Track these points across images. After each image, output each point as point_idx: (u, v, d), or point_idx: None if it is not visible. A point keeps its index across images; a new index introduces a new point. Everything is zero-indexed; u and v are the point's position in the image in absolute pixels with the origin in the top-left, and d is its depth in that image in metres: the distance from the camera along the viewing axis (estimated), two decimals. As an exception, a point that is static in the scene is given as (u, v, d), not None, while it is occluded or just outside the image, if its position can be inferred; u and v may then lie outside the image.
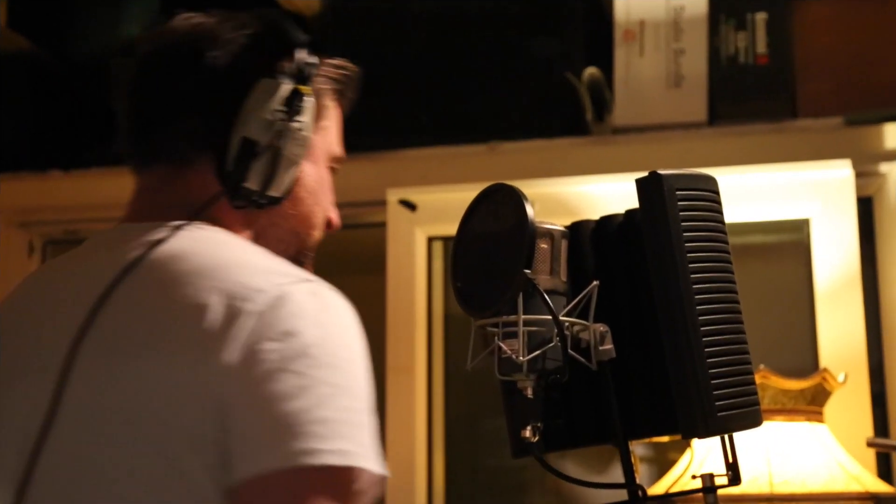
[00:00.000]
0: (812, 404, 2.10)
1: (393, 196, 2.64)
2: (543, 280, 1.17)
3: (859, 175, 2.43)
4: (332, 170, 1.28)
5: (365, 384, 1.03)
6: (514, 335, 1.15)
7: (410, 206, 2.64)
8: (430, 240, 2.71)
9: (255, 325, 0.99)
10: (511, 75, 2.65)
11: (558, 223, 1.21)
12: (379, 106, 2.71)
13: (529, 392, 1.17)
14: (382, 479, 1.01)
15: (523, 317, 1.14)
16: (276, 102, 1.14)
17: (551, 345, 1.15)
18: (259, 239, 1.18)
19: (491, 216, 1.22)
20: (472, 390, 2.73)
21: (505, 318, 1.16)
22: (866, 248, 2.46)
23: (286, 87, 1.15)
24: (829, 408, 2.15)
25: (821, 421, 2.12)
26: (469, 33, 2.69)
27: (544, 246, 1.18)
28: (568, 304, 1.18)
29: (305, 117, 1.16)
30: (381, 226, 2.66)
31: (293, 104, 1.15)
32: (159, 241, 1.08)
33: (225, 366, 0.98)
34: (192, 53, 1.18)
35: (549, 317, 1.15)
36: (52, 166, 2.83)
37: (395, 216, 2.65)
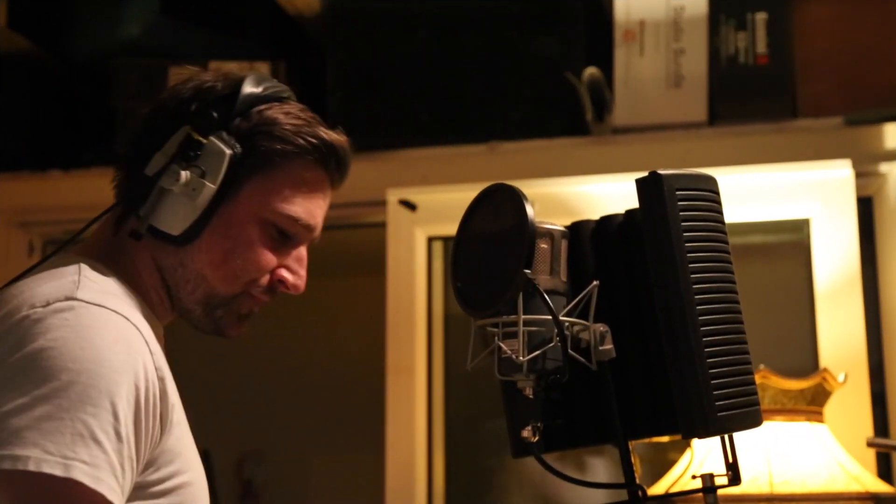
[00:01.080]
0: (812, 404, 2.10)
1: (393, 196, 2.64)
2: (543, 280, 1.17)
3: (859, 175, 2.43)
4: (283, 232, 1.31)
5: (85, 396, 1.08)
6: (514, 335, 1.15)
7: (410, 206, 2.64)
8: (430, 240, 2.71)
9: None
10: (511, 75, 2.65)
11: (558, 223, 1.21)
12: (379, 106, 2.71)
13: (529, 392, 1.17)
14: (72, 484, 1.05)
15: (523, 317, 1.14)
16: (172, 146, 1.26)
17: (551, 345, 1.15)
18: (167, 275, 1.30)
19: (491, 216, 1.22)
20: (472, 391, 2.73)
21: (505, 318, 1.16)
22: (866, 248, 2.46)
23: (183, 132, 1.26)
24: (829, 408, 2.15)
25: (821, 421, 2.12)
26: (469, 33, 2.69)
27: (544, 246, 1.18)
28: (568, 304, 1.18)
29: (206, 165, 1.26)
30: (381, 226, 2.66)
31: (184, 148, 1.25)
32: (14, 280, 1.23)
33: None
34: (155, 104, 1.33)
35: (549, 317, 1.15)
36: (52, 166, 2.83)
37: (395, 216, 2.65)
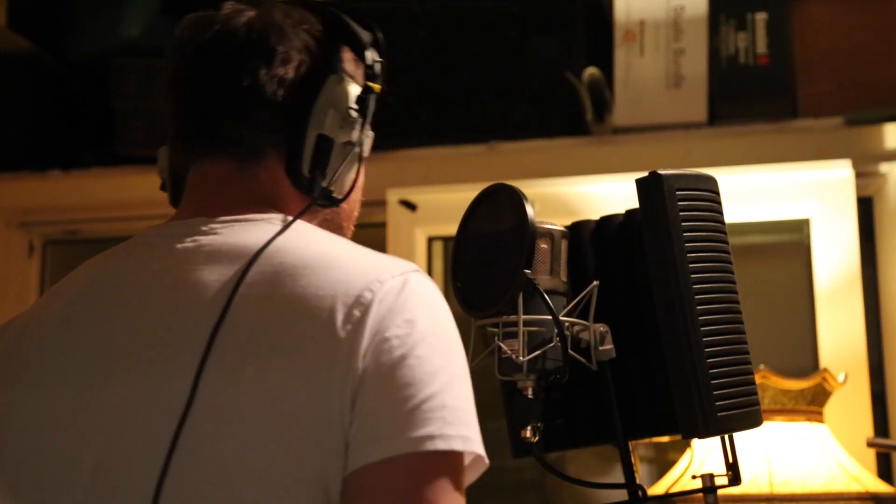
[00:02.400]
0: (812, 404, 2.10)
1: (393, 196, 2.64)
2: (543, 280, 1.17)
3: (859, 175, 2.43)
4: None
5: (468, 372, 1.04)
6: (514, 335, 1.15)
7: (410, 206, 2.64)
8: (430, 240, 2.71)
9: (379, 316, 1.00)
10: (511, 75, 2.65)
11: (558, 223, 1.21)
12: (379, 106, 2.71)
13: (529, 392, 1.17)
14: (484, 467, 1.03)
15: (523, 317, 1.15)
16: (350, 101, 1.15)
17: (551, 345, 1.15)
18: None
19: (491, 216, 1.22)
20: (472, 390, 2.72)
21: (505, 318, 1.16)
22: (866, 248, 2.46)
23: (357, 85, 1.16)
24: (829, 408, 2.15)
25: (821, 421, 2.12)
26: (469, 33, 2.69)
27: (544, 246, 1.18)
28: (568, 304, 1.18)
29: (369, 119, 1.18)
30: (381, 226, 2.66)
31: (366, 103, 1.17)
32: (272, 239, 1.06)
33: (355, 360, 0.98)
34: (261, 47, 1.14)
35: (549, 317, 1.15)
36: (52, 166, 2.83)
37: (395, 216, 2.65)
